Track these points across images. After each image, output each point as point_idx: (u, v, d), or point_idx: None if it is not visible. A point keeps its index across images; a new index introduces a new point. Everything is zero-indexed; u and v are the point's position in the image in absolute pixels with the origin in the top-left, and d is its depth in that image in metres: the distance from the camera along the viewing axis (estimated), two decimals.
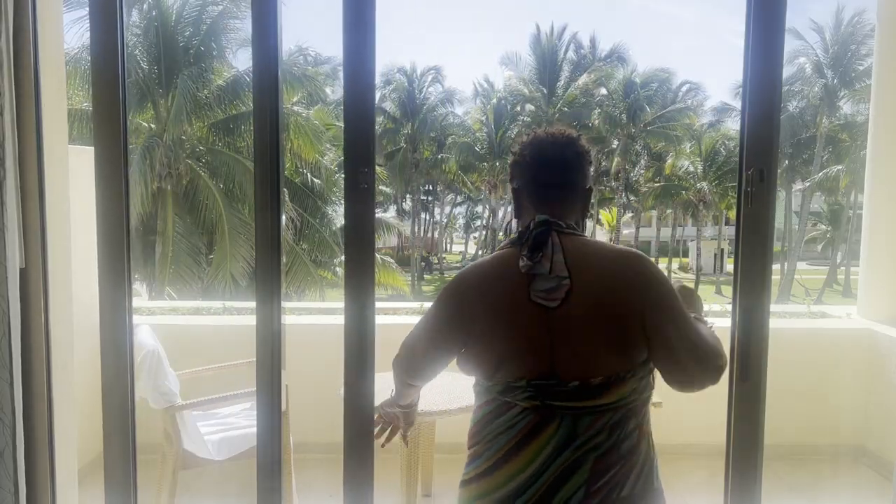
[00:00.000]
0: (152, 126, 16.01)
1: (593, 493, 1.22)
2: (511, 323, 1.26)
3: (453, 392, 2.93)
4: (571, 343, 1.23)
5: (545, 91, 31.05)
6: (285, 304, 1.94)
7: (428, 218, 38.22)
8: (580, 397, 1.23)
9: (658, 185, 30.44)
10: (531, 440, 1.24)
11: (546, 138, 1.39)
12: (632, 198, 31.81)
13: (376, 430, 1.67)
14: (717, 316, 4.17)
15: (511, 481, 1.25)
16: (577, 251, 1.27)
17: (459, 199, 39.78)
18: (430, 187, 36.31)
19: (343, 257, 1.82)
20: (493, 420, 1.29)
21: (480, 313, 1.28)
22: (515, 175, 1.41)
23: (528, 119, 31.23)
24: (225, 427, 2.98)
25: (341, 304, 1.82)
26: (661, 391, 1.34)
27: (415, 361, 1.47)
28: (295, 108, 16.05)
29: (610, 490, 1.23)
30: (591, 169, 1.43)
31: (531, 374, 1.24)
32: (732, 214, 28.97)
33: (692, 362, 1.25)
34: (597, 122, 30.14)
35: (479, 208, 39.79)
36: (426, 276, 33.98)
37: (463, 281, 1.33)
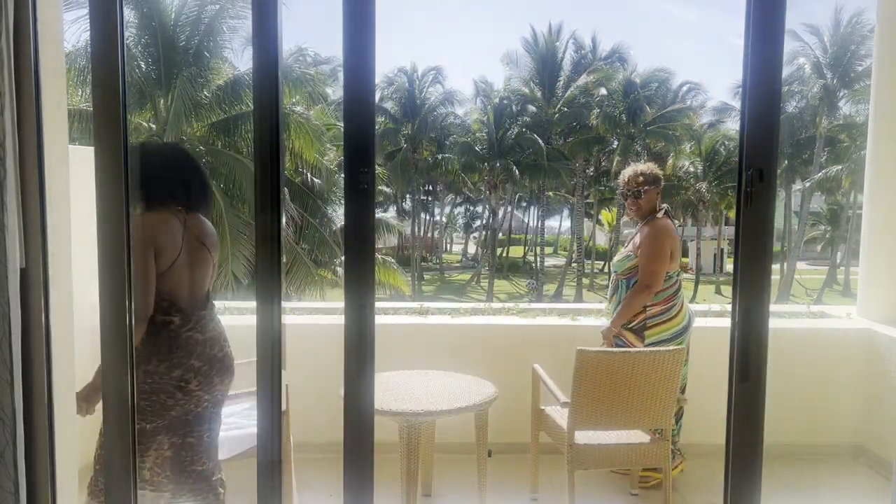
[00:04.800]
0: (152, 126, 16.00)
1: None
2: None
3: (453, 392, 2.92)
4: None
5: (545, 91, 31.05)
6: (285, 304, 1.94)
7: (428, 218, 38.22)
8: None
9: None
10: None
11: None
12: None
13: None
14: (718, 316, 4.18)
15: None
16: None
17: (459, 199, 39.76)
18: (430, 187, 36.30)
19: (343, 257, 1.82)
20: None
21: None
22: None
23: (529, 119, 31.22)
24: (225, 427, 2.98)
25: (341, 304, 1.82)
26: None
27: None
28: (295, 108, 16.01)
29: None
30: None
31: None
32: (732, 214, 28.95)
33: None
34: (596, 122, 30.12)
35: (479, 208, 39.79)
36: (426, 276, 33.94)
37: None
